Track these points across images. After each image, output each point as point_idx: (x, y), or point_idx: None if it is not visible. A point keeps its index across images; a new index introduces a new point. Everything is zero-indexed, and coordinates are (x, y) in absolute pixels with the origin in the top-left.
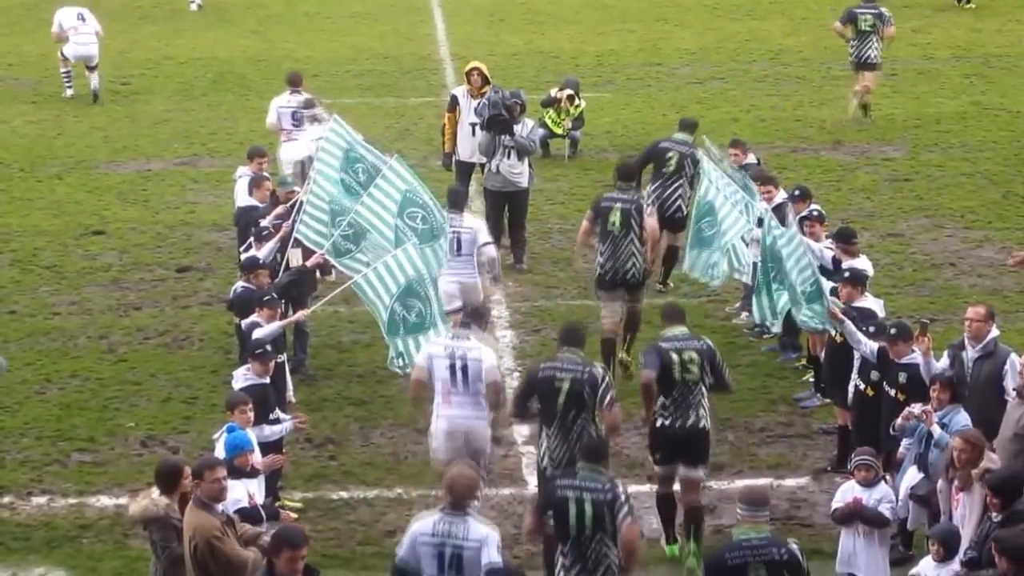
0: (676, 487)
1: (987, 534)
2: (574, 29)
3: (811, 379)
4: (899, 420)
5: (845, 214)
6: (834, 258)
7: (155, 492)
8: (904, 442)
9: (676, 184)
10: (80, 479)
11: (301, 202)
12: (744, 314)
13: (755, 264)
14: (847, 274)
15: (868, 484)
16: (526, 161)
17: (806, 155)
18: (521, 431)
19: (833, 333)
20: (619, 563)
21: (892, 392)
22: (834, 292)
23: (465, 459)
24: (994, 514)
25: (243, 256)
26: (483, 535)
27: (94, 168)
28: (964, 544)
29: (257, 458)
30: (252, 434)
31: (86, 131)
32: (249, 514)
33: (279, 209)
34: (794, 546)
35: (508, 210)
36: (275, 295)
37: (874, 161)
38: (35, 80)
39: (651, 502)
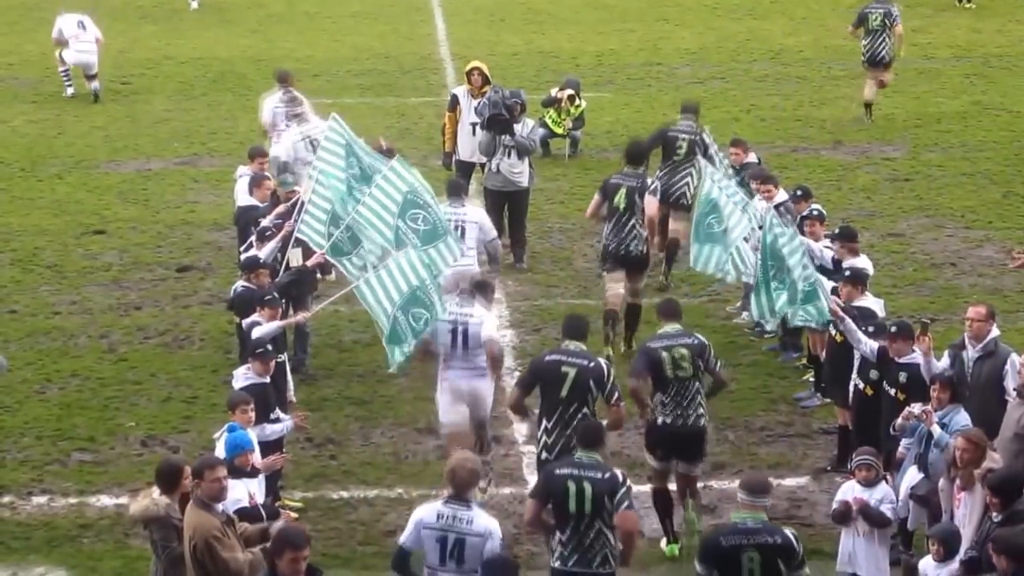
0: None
1: (988, 534)
2: (574, 29)
3: (811, 379)
4: (899, 420)
5: (845, 214)
6: (834, 258)
7: (155, 492)
8: (904, 442)
9: (685, 170)
10: (80, 479)
11: (302, 202)
12: (744, 314)
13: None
14: (848, 273)
15: (869, 484)
16: (526, 160)
17: (806, 155)
18: (521, 431)
19: (833, 332)
20: (616, 552)
21: (892, 392)
22: (835, 292)
23: (468, 433)
24: (994, 514)
25: (243, 256)
26: (488, 528)
27: (94, 167)
28: (965, 544)
29: (257, 458)
30: (253, 434)
31: (86, 131)
32: (249, 514)
33: (280, 208)
34: (789, 532)
35: (508, 209)
36: (276, 294)
37: (874, 161)
38: (36, 80)
39: (651, 502)
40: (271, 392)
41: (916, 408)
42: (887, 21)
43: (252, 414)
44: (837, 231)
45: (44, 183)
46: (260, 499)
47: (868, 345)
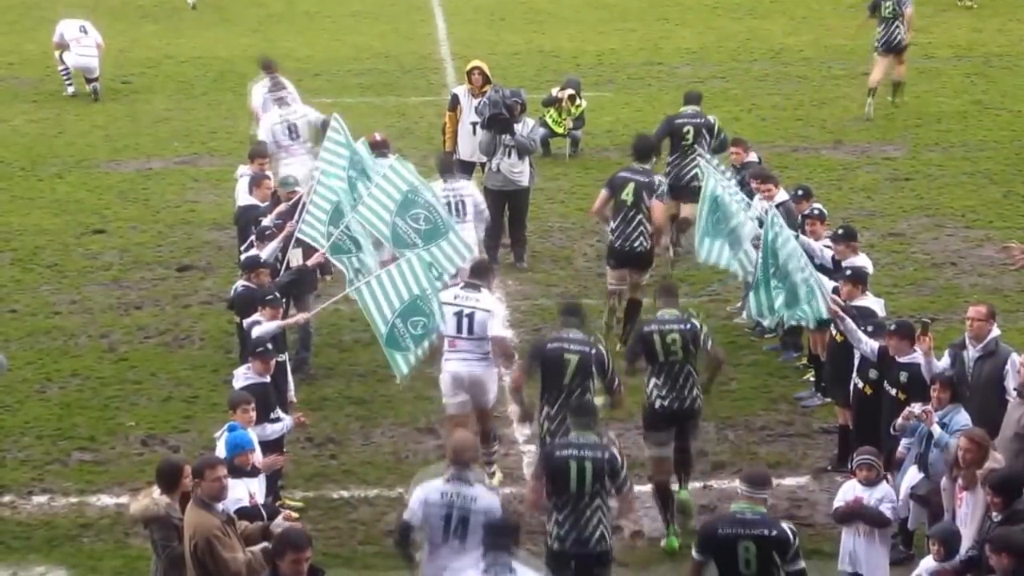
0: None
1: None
2: (575, 28)
3: (812, 378)
4: (899, 420)
5: (846, 213)
6: (833, 257)
7: (156, 491)
8: (904, 441)
9: (694, 155)
10: (81, 478)
11: (304, 202)
12: (745, 313)
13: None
14: (848, 272)
15: (870, 484)
16: (527, 160)
17: (807, 154)
18: (522, 431)
19: (833, 332)
20: (611, 531)
21: (893, 391)
22: (835, 291)
23: (470, 419)
24: (994, 514)
25: (243, 255)
26: (491, 505)
27: (95, 167)
28: (966, 544)
29: (258, 457)
30: (253, 433)
31: (87, 130)
32: (250, 513)
33: (282, 207)
34: (786, 526)
35: (509, 209)
36: (277, 294)
37: (875, 160)
38: (36, 79)
39: (651, 502)
40: (271, 392)
41: (916, 408)
42: (898, 8)
43: (253, 414)
44: (839, 231)
45: (44, 182)
46: (260, 499)
47: (868, 344)
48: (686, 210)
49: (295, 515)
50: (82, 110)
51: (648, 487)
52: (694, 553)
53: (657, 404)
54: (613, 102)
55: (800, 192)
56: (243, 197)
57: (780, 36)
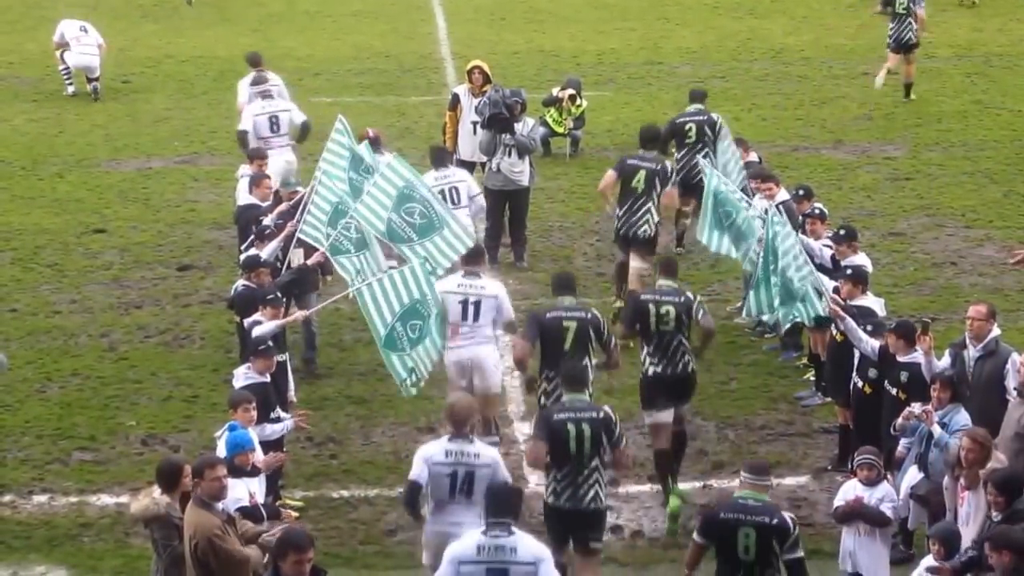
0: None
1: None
2: (575, 28)
3: (812, 378)
4: (899, 420)
5: (846, 213)
6: (833, 256)
7: (156, 491)
8: (903, 441)
9: (701, 152)
10: (81, 478)
11: (305, 202)
12: (745, 313)
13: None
14: (849, 271)
15: (870, 483)
16: (527, 159)
17: (807, 154)
18: (523, 430)
19: (834, 332)
20: (606, 489)
21: (894, 391)
22: (835, 291)
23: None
24: (995, 513)
25: (244, 254)
26: (494, 459)
27: (95, 166)
28: (967, 543)
29: (258, 457)
30: (253, 433)
31: (87, 129)
32: (250, 513)
33: (283, 207)
34: (787, 515)
35: (509, 208)
36: (278, 293)
37: (875, 160)
38: (36, 78)
39: (652, 502)
40: (271, 391)
41: (916, 408)
42: (912, 5)
43: (254, 413)
44: (839, 231)
45: (45, 182)
46: (260, 498)
47: (869, 343)
48: (693, 205)
49: (295, 514)
50: (82, 109)
51: (648, 487)
52: (695, 536)
53: (650, 371)
54: (613, 102)
55: (801, 192)
56: (243, 196)
57: (780, 36)
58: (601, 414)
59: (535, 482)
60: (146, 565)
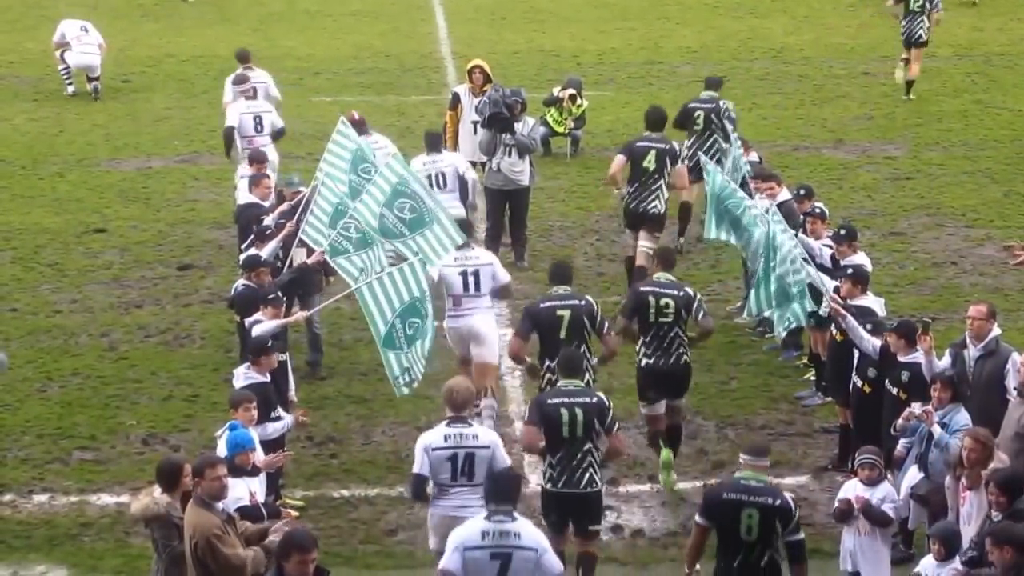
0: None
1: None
2: (575, 27)
3: (812, 377)
4: (900, 420)
5: (847, 212)
6: (832, 256)
7: (156, 490)
8: (902, 440)
9: (709, 139)
10: (81, 477)
11: (306, 202)
12: (745, 313)
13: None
14: (849, 271)
15: (871, 483)
16: (527, 159)
17: (808, 153)
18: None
19: (834, 331)
20: (601, 472)
21: (895, 390)
22: (836, 290)
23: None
24: (996, 513)
25: (244, 254)
26: (492, 440)
27: (95, 166)
28: (967, 543)
29: (259, 456)
30: (254, 432)
31: (87, 129)
32: (250, 512)
33: (284, 207)
34: (789, 496)
35: (509, 208)
36: (279, 293)
37: (875, 159)
38: (36, 78)
39: (652, 501)
40: (272, 390)
41: (917, 408)
42: (927, 5)
43: (254, 412)
44: (840, 231)
45: (45, 181)
46: (261, 498)
47: (870, 342)
48: (688, 196)
49: (295, 514)
50: (82, 109)
51: (648, 486)
52: (698, 518)
53: (643, 363)
54: (614, 101)
55: (802, 191)
56: (243, 195)
57: (781, 35)
58: (594, 399)
59: (536, 482)
60: (146, 565)
